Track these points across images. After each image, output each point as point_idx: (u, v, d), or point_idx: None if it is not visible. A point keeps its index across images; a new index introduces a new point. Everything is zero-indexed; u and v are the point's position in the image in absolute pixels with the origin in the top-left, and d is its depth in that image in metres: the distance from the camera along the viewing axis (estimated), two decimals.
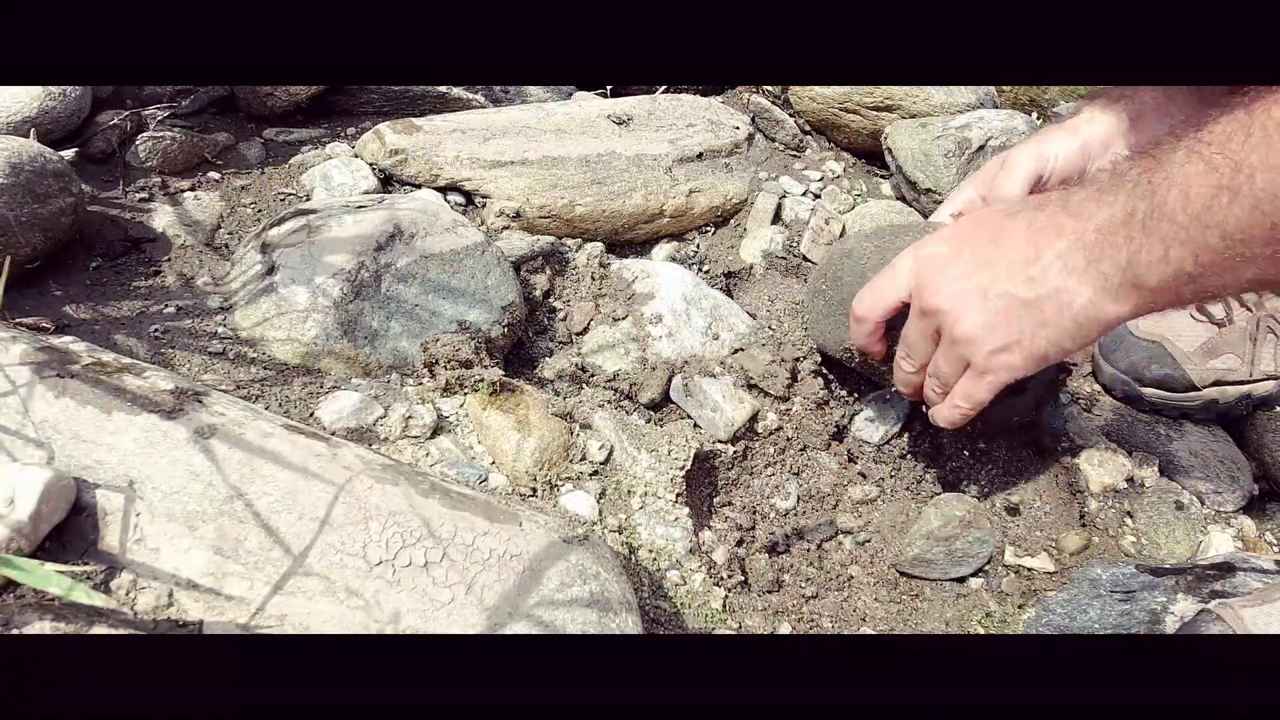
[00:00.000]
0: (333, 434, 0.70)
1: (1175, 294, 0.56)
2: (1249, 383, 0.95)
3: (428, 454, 0.73)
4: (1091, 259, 0.58)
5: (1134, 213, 0.55)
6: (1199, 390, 0.96)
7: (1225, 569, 0.81)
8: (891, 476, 0.92)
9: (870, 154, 1.35)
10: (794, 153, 1.32)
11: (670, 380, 0.87)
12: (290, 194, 1.00)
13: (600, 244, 1.04)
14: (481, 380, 0.78)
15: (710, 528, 0.82)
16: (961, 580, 0.85)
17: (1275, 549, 0.91)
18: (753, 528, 0.84)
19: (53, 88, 0.89)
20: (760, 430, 0.88)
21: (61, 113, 0.91)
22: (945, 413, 0.71)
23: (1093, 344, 0.89)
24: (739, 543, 0.83)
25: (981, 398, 0.67)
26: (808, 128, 1.36)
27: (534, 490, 0.73)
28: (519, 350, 0.91)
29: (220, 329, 0.80)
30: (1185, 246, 0.52)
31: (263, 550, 0.54)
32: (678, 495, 0.79)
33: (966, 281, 0.64)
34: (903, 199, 1.24)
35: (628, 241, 1.11)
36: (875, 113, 1.29)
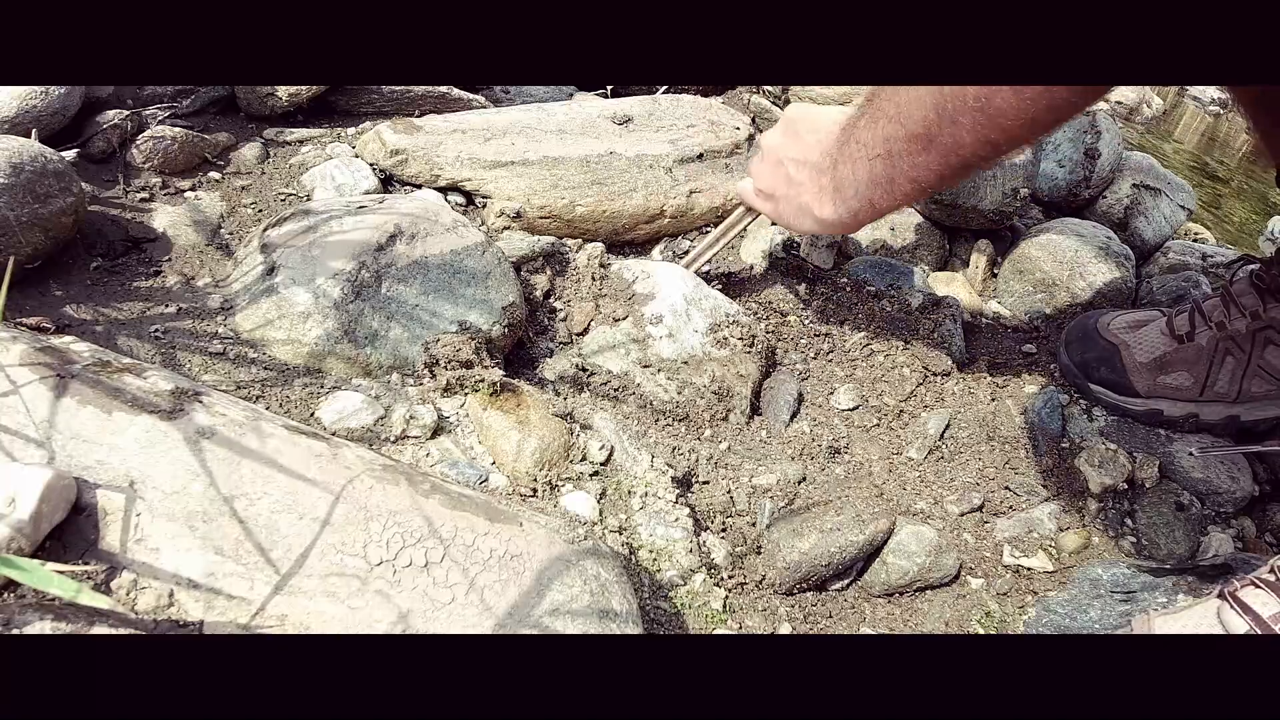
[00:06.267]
0: (333, 434, 0.70)
1: (859, 203, 0.77)
2: (1197, 402, 0.95)
3: (428, 454, 0.73)
4: (824, 171, 0.80)
5: (843, 146, 0.77)
6: (1143, 398, 0.97)
7: (1225, 569, 0.81)
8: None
9: None
10: None
11: None
12: (290, 194, 1.00)
13: (601, 244, 1.04)
14: (482, 381, 0.78)
15: (710, 528, 0.82)
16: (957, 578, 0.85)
17: (1275, 549, 0.91)
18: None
19: (34, 87, 0.87)
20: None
21: (44, 112, 0.89)
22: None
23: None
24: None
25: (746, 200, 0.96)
26: None
27: (534, 491, 0.73)
28: (519, 351, 0.91)
29: (221, 329, 0.80)
30: (859, 165, 0.74)
31: (263, 550, 0.54)
32: (678, 496, 0.79)
33: (773, 139, 0.87)
34: None
35: (628, 242, 1.11)
36: None
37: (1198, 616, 0.68)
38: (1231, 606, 0.66)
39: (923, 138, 0.67)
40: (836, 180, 0.78)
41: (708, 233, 1.14)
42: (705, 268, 1.07)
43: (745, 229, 1.07)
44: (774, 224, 1.05)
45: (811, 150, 0.82)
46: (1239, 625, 0.65)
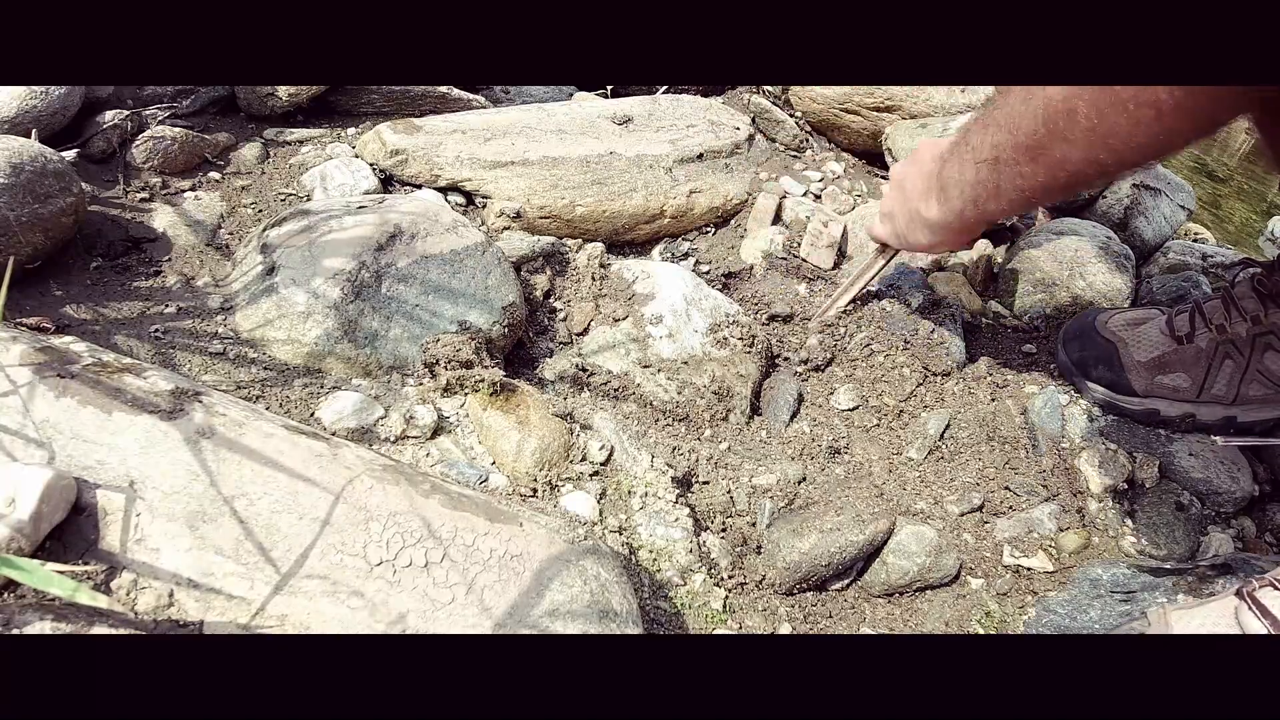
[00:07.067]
0: (333, 434, 0.70)
1: (964, 203, 0.78)
2: (1194, 403, 0.95)
3: (428, 454, 0.73)
4: (931, 174, 0.82)
5: (955, 147, 0.79)
6: (1140, 397, 0.96)
7: (1225, 569, 0.81)
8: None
9: (871, 154, 1.35)
10: (794, 153, 1.32)
11: None
12: (290, 194, 1.00)
13: (601, 244, 1.04)
14: (482, 381, 0.78)
15: (710, 528, 0.82)
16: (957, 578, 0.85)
17: (1275, 549, 0.91)
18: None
19: (35, 87, 0.87)
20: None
21: (44, 112, 0.89)
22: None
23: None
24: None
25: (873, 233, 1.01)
26: (808, 128, 1.36)
27: (534, 491, 0.73)
28: (519, 351, 0.91)
29: (221, 329, 0.80)
30: (967, 167, 0.75)
31: (263, 550, 0.54)
32: (678, 496, 0.79)
33: (898, 167, 0.92)
34: None
35: (628, 242, 1.11)
36: (876, 113, 1.29)
37: (1215, 615, 0.68)
38: (1250, 608, 0.66)
39: (1030, 149, 0.66)
40: (943, 179, 0.80)
41: (707, 231, 1.15)
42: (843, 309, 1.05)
43: (881, 271, 1.05)
44: (889, 252, 1.01)
45: (926, 162, 0.85)
46: (1256, 627, 0.65)
